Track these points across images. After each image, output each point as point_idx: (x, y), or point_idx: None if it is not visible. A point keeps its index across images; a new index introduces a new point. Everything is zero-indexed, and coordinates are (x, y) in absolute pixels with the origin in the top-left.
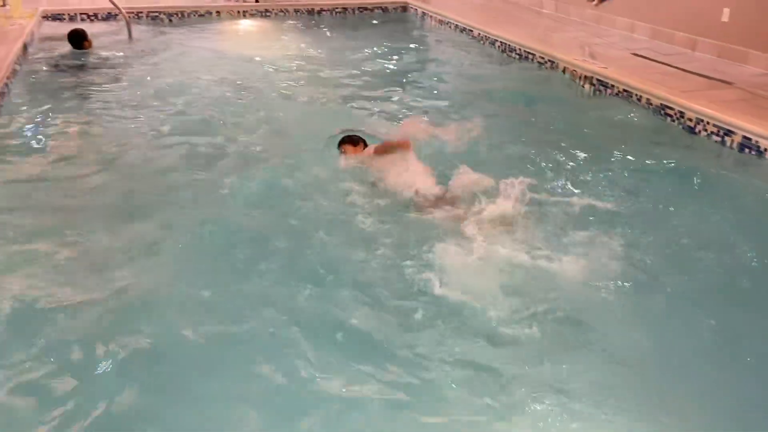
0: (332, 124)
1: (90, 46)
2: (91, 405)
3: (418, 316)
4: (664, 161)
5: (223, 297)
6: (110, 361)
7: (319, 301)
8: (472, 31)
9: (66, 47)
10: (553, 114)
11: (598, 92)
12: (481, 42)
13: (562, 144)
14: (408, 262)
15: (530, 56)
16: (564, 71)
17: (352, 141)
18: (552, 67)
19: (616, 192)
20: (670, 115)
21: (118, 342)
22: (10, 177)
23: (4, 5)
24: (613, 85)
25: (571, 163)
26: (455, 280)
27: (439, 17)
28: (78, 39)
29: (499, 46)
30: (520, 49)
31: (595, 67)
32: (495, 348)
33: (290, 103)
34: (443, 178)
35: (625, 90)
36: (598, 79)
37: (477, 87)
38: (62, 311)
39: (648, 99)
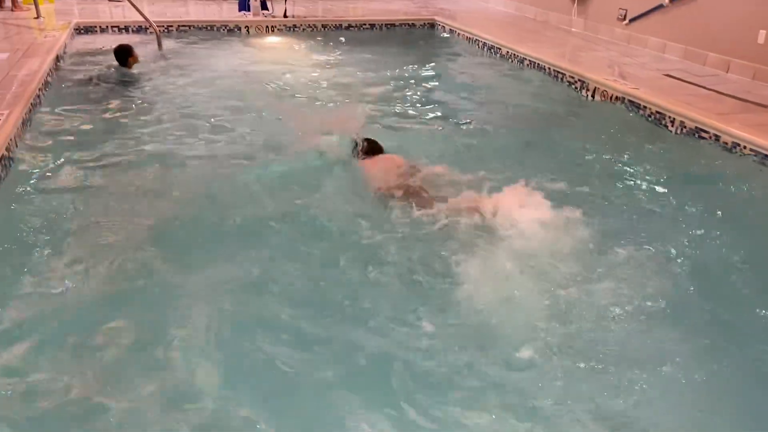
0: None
1: (136, 61)
2: None
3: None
4: (700, 185)
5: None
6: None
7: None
8: (500, 49)
9: (97, 58)
10: (582, 134)
11: (629, 113)
12: (510, 60)
13: (592, 165)
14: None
15: (560, 75)
16: (594, 91)
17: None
18: (582, 87)
19: (649, 215)
20: (705, 138)
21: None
22: (40, 187)
23: (37, 17)
24: (645, 107)
25: (600, 184)
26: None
27: (466, 34)
28: (124, 55)
29: (527, 65)
30: (549, 68)
31: (626, 88)
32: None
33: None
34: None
35: (657, 111)
36: (629, 100)
37: (504, 105)
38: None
39: (682, 121)
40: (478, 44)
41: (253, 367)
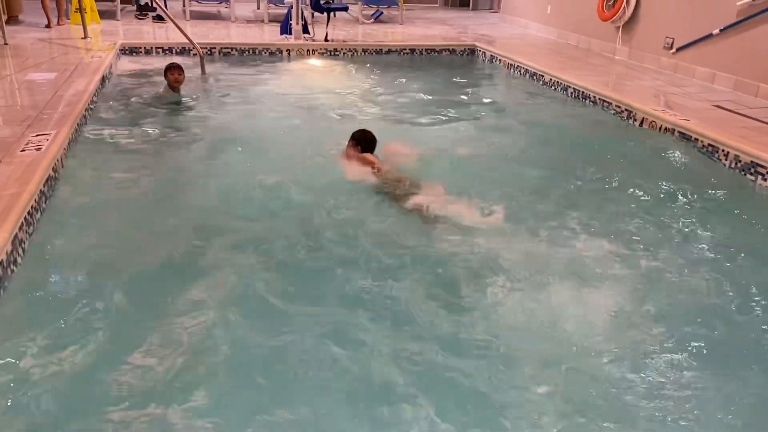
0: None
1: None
2: None
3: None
4: (754, 224)
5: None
6: None
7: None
8: (543, 76)
9: (141, 79)
10: (628, 166)
11: (679, 145)
12: (552, 88)
13: (640, 198)
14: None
15: (605, 104)
16: (642, 122)
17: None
18: (628, 117)
19: (699, 251)
20: (762, 174)
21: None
22: (82, 202)
23: (85, 37)
24: (696, 139)
25: (647, 218)
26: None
27: (508, 61)
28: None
29: (571, 93)
30: (594, 97)
31: (676, 119)
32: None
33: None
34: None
35: (710, 144)
36: (679, 132)
37: (547, 134)
38: None
39: (737, 155)
40: (519, 71)
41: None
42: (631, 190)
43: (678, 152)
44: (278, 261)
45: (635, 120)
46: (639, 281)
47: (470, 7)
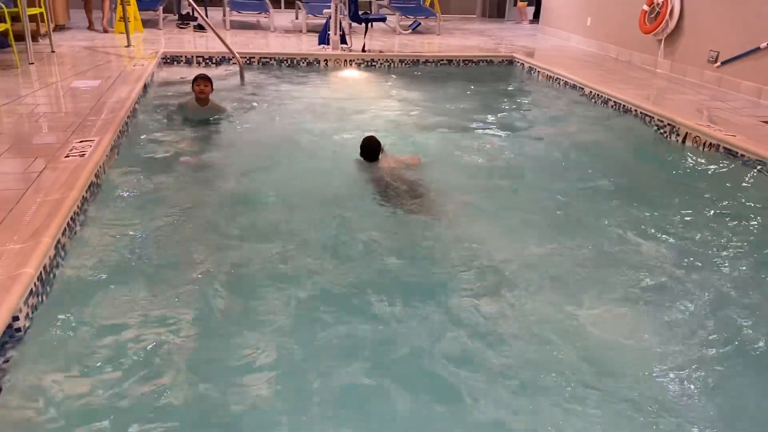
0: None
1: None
2: None
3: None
4: None
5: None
6: None
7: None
8: (582, 88)
9: (181, 87)
10: (669, 181)
11: (724, 162)
12: (593, 100)
13: (683, 215)
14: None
15: (646, 118)
16: (685, 137)
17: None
18: (671, 131)
19: (745, 270)
20: None
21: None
22: (125, 211)
23: (128, 46)
24: (742, 155)
25: (688, 238)
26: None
27: (547, 72)
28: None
29: (611, 106)
30: (635, 110)
31: (722, 134)
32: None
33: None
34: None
35: (758, 161)
36: (725, 148)
37: (585, 147)
38: None
39: None
40: (558, 83)
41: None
42: (673, 206)
43: (722, 168)
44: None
45: (677, 135)
46: (683, 301)
47: (506, 18)
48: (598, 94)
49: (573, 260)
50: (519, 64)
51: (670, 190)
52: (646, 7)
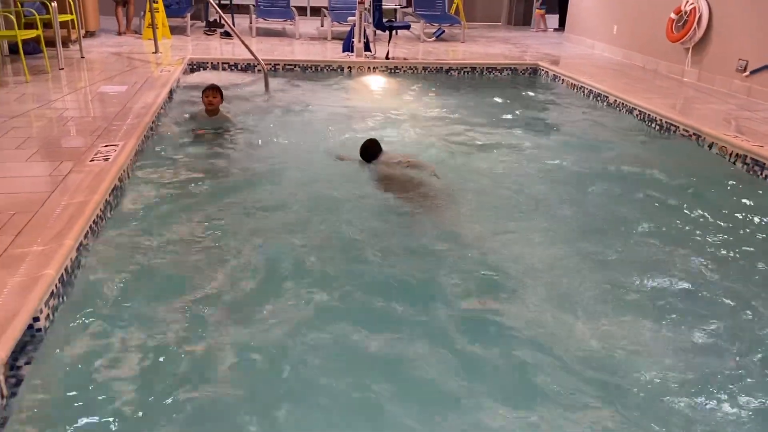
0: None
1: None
2: None
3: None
4: None
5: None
6: None
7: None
8: (607, 97)
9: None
10: (695, 192)
11: (751, 173)
12: (618, 109)
13: (705, 229)
14: None
15: (672, 128)
16: (711, 147)
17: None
18: (697, 141)
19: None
20: None
21: None
22: (148, 214)
23: (155, 52)
24: None
25: (710, 249)
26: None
27: (571, 81)
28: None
29: (637, 115)
30: (660, 120)
31: (748, 144)
32: None
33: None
34: None
35: None
36: (752, 158)
37: (610, 157)
38: None
39: None
40: (583, 92)
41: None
42: (697, 217)
43: (749, 179)
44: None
45: (704, 144)
46: (711, 318)
47: (532, 26)
48: (623, 103)
49: (592, 268)
50: (543, 73)
51: (694, 200)
52: (673, 15)
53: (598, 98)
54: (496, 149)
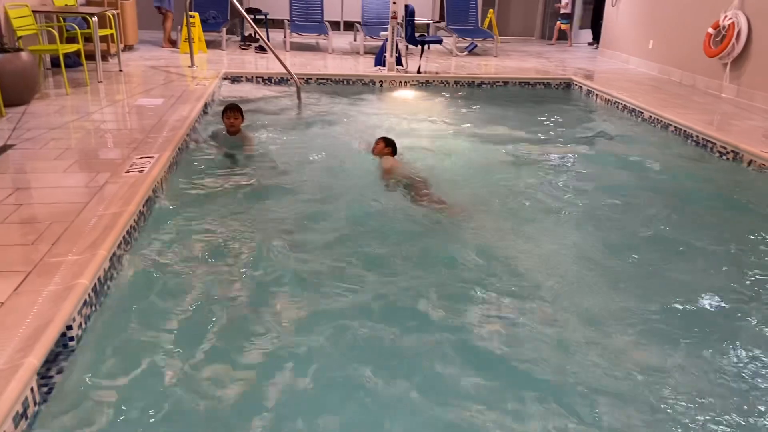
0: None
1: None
2: None
3: None
4: None
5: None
6: None
7: None
8: (642, 112)
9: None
10: (731, 211)
11: None
12: (653, 125)
13: (741, 248)
14: None
15: (709, 144)
16: (750, 164)
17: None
18: (735, 159)
19: None
20: None
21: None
22: (180, 225)
23: (191, 66)
24: None
25: (744, 271)
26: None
27: (605, 96)
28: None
29: (672, 131)
30: (697, 136)
31: None
32: None
33: (444, 172)
34: None
35: None
36: None
37: (644, 173)
38: None
39: None
40: (617, 107)
41: None
42: (732, 236)
43: None
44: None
45: (742, 162)
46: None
47: (569, 42)
48: (658, 119)
49: (617, 284)
50: (577, 87)
51: (730, 218)
52: (711, 30)
53: (633, 113)
54: (527, 163)
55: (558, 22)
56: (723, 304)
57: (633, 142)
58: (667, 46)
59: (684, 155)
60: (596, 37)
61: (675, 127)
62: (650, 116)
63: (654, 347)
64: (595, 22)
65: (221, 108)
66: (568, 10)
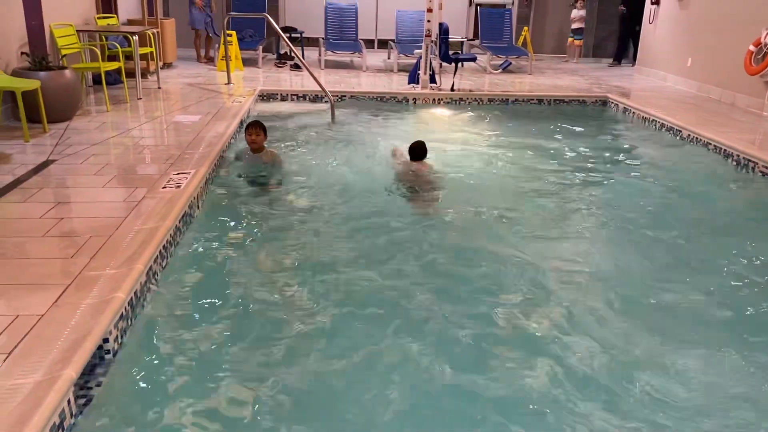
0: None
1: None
2: None
3: None
4: None
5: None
6: None
7: None
8: (680, 131)
9: (274, 123)
10: None
11: None
12: (691, 143)
13: None
14: None
15: (751, 164)
16: None
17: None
18: None
19: None
20: None
21: None
22: (216, 240)
23: (228, 83)
24: None
25: None
26: None
27: (642, 114)
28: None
29: (712, 150)
30: (738, 155)
31: None
32: None
33: (476, 188)
34: None
35: None
36: None
37: (683, 193)
38: None
39: None
40: (655, 125)
41: None
42: None
43: None
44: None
45: None
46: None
47: (576, 59)
48: (697, 138)
49: (658, 306)
50: (613, 105)
51: None
52: (752, 48)
53: (671, 132)
54: (562, 181)
55: (570, 38)
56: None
57: (671, 161)
58: (706, 63)
59: (724, 175)
60: (618, 57)
61: (715, 146)
62: (689, 135)
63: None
64: (623, 41)
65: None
66: (581, 25)
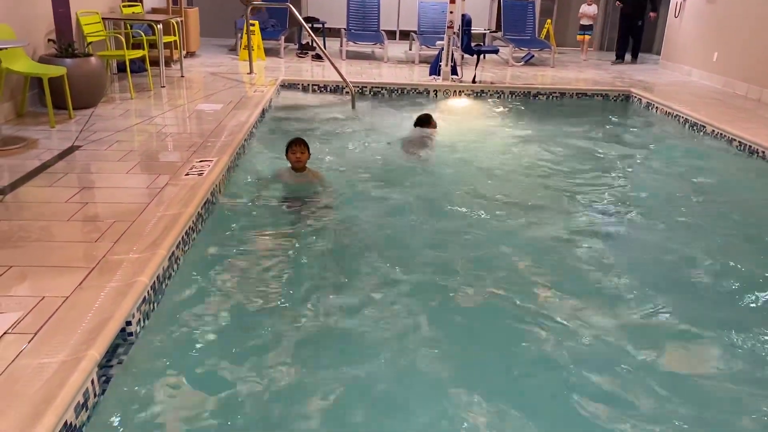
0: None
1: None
2: None
3: None
4: None
5: None
6: None
7: None
8: (705, 127)
9: (297, 113)
10: None
11: None
12: (716, 139)
13: None
14: None
15: None
16: None
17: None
18: None
19: None
20: None
21: None
22: (238, 227)
23: (250, 73)
24: None
25: None
26: None
27: (666, 109)
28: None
29: (737, 146)
30: (764, 152)
31: None
32: None
33: (496, 179)
34: None
35: None
36: None
37: (706, 190)
38: None
39: None
40: (678, 120)
41: None
42: None
43: None
44: None
45: None
46: None
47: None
48: (722, 134)
49: (677, 300)
50: (636, 99)
51: None
52: None
53: (695, 127)
54: (582, 175)
55: (579, 35)
56: None
57: (695, 157)
58: (732, 58)
59: (750, 171)
60: (621, 55)
61: (740, 142)
62: (713, 130)
63: None
64: (623, 38)
65: (278, 114)
66: (590, 22)
